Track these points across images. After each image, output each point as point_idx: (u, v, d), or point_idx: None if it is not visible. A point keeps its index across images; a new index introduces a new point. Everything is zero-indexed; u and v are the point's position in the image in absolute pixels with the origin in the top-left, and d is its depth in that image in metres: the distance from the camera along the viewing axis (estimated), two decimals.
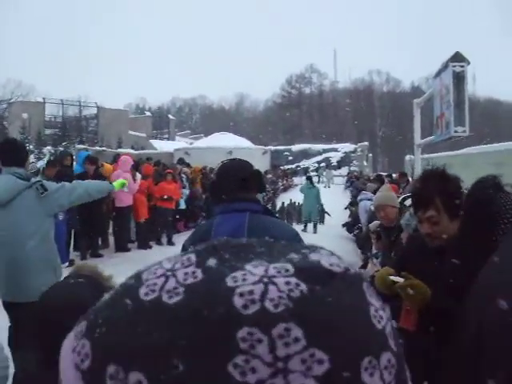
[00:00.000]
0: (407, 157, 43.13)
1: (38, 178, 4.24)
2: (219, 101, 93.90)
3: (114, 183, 4.74)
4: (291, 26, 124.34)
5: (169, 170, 12.95)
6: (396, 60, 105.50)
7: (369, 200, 9.83)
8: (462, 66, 8.91)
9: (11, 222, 3.72)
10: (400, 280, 2.20)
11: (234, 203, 2.61)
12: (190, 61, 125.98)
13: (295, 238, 2.53)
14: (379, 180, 11.94)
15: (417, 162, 12.54)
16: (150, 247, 11.71)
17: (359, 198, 10.55)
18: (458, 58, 8.98)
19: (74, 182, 4.32)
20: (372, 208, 9.43)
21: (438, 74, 9.93)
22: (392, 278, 2.25)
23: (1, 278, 3.74)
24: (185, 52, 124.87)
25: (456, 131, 8.90)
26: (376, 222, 7.07)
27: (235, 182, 2.61)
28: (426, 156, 29.70)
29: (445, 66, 9.30)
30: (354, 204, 14.87)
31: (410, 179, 12.39)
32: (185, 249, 2.45)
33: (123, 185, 4.86)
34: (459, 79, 8.88)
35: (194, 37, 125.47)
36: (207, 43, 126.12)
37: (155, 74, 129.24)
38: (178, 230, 13.90)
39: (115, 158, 13.07)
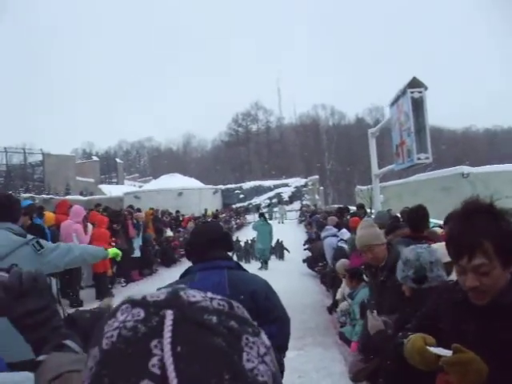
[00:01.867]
0: (357, 188, 43.70)
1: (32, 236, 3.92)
2: (166, 142, 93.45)
3: (109, 251, 4.39)
4: (234, 64, 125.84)
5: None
6: (339, 93, 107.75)
7: (334, 236, 9.52)
8: (420, 92, 8.83)
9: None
10: (447, 353, 1.70)
11: (211, 261, 2.95)
12: (136, 104, 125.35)
13: (267, 286, 3.04)
14: (340, 213, 11.66)
15: (375, 192, 12.37)
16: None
17: (323, 234, 10.17)
18: (415, 83, 8.90)
19: (71, 243, 4.22)
20: (340, 245, 9.15)
21: (396, 100, 9.84)
22: (435, 350, 1.77)
23: None
24: (130, 95, 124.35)
25: (419, 158, 8.78)
26: (344, 261, 6.70)
27: (210, 241, 2.99)
28: (363, 187, 30.07)
29: (402, 93, 9.21)
30: (313, 239, 14.57)
31: (369, 210, 12.16)
32: None
33: (117, 255, 4.52)
34: (418, 105, 8.77)
35: (138, 79, 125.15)
36: (151, 85, 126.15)
37: (101, 119, 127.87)
38: (133, 278, 13.12)
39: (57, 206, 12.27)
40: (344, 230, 9.56)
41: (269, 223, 17.76)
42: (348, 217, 11.04)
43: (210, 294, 0.61)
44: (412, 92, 8.75)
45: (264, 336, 0.62)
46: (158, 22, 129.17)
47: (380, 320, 3.06)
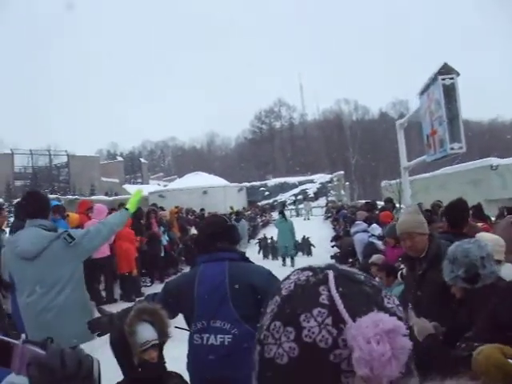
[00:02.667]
0: (383, 182, 43.13)
1: (64, 229, 4.15)
2: (190, 141, 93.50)
3: (128, 206, 4.31)
4: (256, 60, 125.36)
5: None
6: (362, 87, 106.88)
7: (364, 232, 9.19)
8: (452, 78, 8.36)
9: (43, 274, 3.70)
10: None
11: (214, 253, 3.10)
12: (159, 103, 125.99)
13: (269, 276, 3.02)
14: (369, 208, 11.30)
15: (405, 186, 11.89)
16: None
17: (353, 229, 9.80)
18: (446, 69, 8.44)
19: (97, 223, 4.22)
20: (371, 240, 8.83)
21: (426, 89, 9.37)
22: None
23: (32, 329, 3.66)
24: (153, 94, 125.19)
25: (452, 148, 8.32)
26: (379, 256, 6.39)
27: (213, 234, 3.17)
28: (392, 181, 29.50)
29: (433, 80, 8.75)
30: (341, 236, 14.27)
31: (398, 205, 11.77)
32: (167, 288, 3.22)
33: (138, 194, 4.48)
34: (450, 92, 8.30)
35: (160, 79, 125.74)
36: (174, 84, 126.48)
37: (125, 119, 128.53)
38: (158, 278, 12.91)
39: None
40: (375, 225, 9.18)
41: (288, 220, 17.59)
42: (377, 212, 10.71)
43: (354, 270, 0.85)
44: (443, 79, 8.30)
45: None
46: (177, 20, 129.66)
47: (428, 322, 2.74)
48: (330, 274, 0.77)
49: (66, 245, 3.72)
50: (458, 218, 4.62)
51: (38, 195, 4.10)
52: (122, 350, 2.28)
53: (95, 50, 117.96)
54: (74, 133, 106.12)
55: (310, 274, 0.79)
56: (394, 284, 5.59)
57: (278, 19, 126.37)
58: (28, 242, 3.70)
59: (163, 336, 2.38)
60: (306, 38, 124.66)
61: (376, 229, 8.86)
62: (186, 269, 15.10)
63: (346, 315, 0.71)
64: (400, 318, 0.73)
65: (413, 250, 3.72)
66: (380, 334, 0.68)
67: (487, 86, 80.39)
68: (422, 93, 9.75)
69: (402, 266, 5.07)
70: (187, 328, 3.14)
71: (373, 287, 0.78)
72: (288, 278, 0.83)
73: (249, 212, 29.50)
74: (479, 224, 5.98)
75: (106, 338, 2.76)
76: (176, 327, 2.96)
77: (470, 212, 5.76)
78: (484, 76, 79.28)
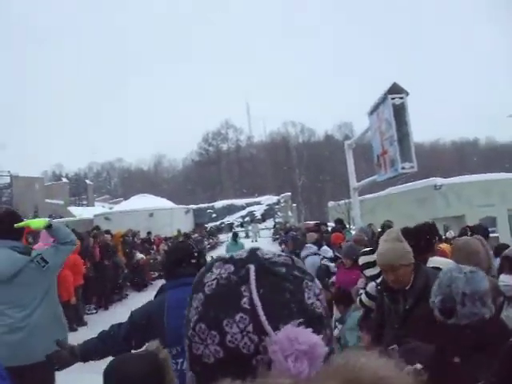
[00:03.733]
0: (330, 203, 43.66)
1: (37, 251, 3.96)
2: (137, 163, 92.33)
3: (34, 225, 3.97)
4: (204, 82, 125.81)
5: None
6: (309, 110, 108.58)
7: (315, 254, 9.02)
8: (402, 98, 8.38)
9: (15, 296, 3.64)
10: None
11: (181, 278, 3.03)
12: (106, 125, 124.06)
13: None
14: (319, 229, 11.19)
15: (354, 206, 11.82)
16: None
17: (304, 253, 9.41)
18: (395, 89, 8.45)
19: (55, 245, 4.00)
20: (324, 263, 8.64)
21: (375, 108, 9.34)
22: None
23: (3, 346, 3.53)
24: (100, 116, 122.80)
25: (403, 167, 8.29)
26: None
27: (178, 260, 3.20)
28: (341, 202, 29.93)
29: (383, 99, 8.72)
30: None
31: (348, 225, 11.74)
32: (134, 318, 3.07)
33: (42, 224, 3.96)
34: (400, 112, 8.29)
35: (107, 100, 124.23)
36: (121, 105, 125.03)
37: (71, 140, 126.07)
38: (102, 305, 12.49)
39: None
40: (325, 247, 8.98)
41: (238, 243, 17.64)
42: (325, 233, 10.62)
43: (277, 252, 0.88)
44: (393, 98, 8.35)
45: (317, 281, 0.87)
46: (125, 44, 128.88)
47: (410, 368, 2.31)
48: (251, 269, 0.80)
49: (39, 269, 3.69)
50: (424, 243, 4.22)
51: (11, 214, 3.92)
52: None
53: (43, 67, 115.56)
54: (18, 153, 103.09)
55: (232, 269, 0.82)
56: (350, 309, 5.30)
57: (225, 41, 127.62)
58: (1, 264, 3.61)
59: None
60: (253, 60, 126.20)
61: (327, 251, 8.71)
62: (132, 294, 14.69)
63: (267, 326, 0.75)
64: (320, 315, 0.81)
65: (395, 283, 3.39)
66: (298, 352, 0.71)
67: (428, 108, 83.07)
68: (372, 112, 9.73)
69: (361, 290, 4.93)
70: None
71: (295, 280, 0.82)
72: (210, 270, 0.85)
73: (196, 235, 29.16)
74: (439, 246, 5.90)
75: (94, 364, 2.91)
76: None
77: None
78: (426, 97, 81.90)
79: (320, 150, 77.65)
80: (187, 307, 0.86)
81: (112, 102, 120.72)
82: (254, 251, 0.85)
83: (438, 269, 3.18)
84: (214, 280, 0.82)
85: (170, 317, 2.95)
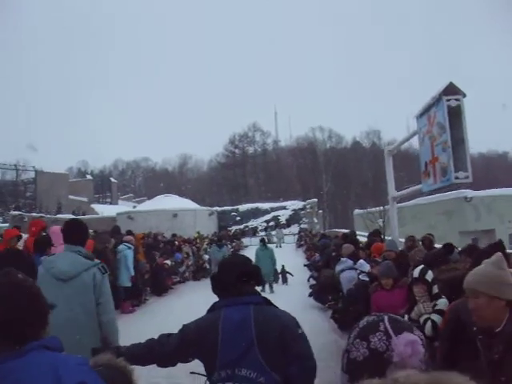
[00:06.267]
0: (356, 211, 42.80)
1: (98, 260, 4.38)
2: (162, 163, 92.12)
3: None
4: (232, 84, 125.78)
5: None
6: (337, 116, 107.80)
7: (351, 269, 8.32)
8: (458, 100, 7.44)
9: (71, 297, 3.85)
10: None
11: (238, 297, 2.86)
12: (132, 123, 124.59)
13: (296, 326, 2.86)
14: (349, 239, 10.40)
15: (392, 216, 10.93)
16: None
17: (339, 267, 8.82)
18: (452, 90, 7.51)
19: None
20: (361, 278, 7.92)
21: (426, 110, 8.29)
22: None
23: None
24: (126, 114, 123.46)
25: (457, 177, 7.30)
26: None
27: (237, 276, 2.91)
28: (373, 210, 29.12)
29: (437, 100, 7.71)
30: (318, 267, 13.47)
31: (382, 236, 10.94)
32: (185, 331, 2.93)
33: None
34: (456, 115, 7.38)
35: (135, 98, 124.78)
36: (149, 105, 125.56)
37: (97, 137, 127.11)
38: (123, 311, 11.74)
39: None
40: (362, 261, 8.29)
41: (268, 248, 18.03)
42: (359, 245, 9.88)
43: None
44: (448, 100, 7.48)
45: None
46: (155, 41, 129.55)
47: None
48: (385, 317, 1.43)
49: (100, 274, 3.99)
50: None
51: (81, 224, 4.38)
52: None
53: (69, 64, 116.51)
54: (44, 148, 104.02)
55: (375, 317, 1.46)
56: None
57: (255, 46, 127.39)
58: (66, 264, 3.95)
59: None
60: (283, 64, 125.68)
61: (364, 265, 7.96)
62: (152, 299, 14.13)
63: (392, 334, 1.36)
64: (419, 335, 1.41)
65: (477, 316, 2.70)
66: (407, 343, 1.34)
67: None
68: (422, 115, 8.66)
69: (425, 316, 4.32)
70: (203, 373, 2.95)
71: (408, 324, 1.54)
72: (361, 318, 1.49)
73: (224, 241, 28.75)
74: None
75: None
76: (192, 373, 3.09)
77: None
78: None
79: (347, 156, 76.68)
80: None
81: (141, 101, 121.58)
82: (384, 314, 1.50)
83: None
84: (364, 321, 1.47)
85: (224, 336, 2.79)
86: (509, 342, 2.49)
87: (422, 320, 4.32)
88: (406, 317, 4.45)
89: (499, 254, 2.80)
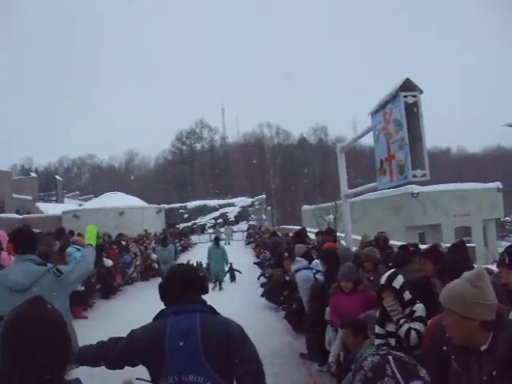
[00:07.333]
0: (304, 207, 43.24)
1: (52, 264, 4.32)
2: (109, 160, 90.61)
3: (91, 242, 4.64)
4: (179, 81, 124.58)
5: None
6: (285, 112, 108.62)
7: (307, 269, 8.27)
8: (415, 96, 7.48)
9: None
10: None
11: (184, 305, 2.95)
12: (78, 119, 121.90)
13: (241, 332, 2.95)
14: (301, 238, 10.48)
15: (345, 213, 11.00)
16: None
17: (294, 267, 8.57)
18: (409, 86, 7.54)
19: (80, 260, 4.43)
20: (318, 277, 7.87)
21: (382, 106, 8.18)
22: None
23: None
24: (72, 110, 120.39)
25: (415, 175, 7.29)
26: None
27: (184, 285, 3.01)
28: (323, 205, 29.46)
29: (393, 97, 7.69)
30: (269, 265, 13.50)
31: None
32: (133, 337, 2.97)
33: (95, 232, 4.73)
34: (412, 111, 7.42)
35: (80, 94, 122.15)
36: (95, 101, 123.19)
37: (41, 133, 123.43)
38: (76, 316, 10.88)
39: None
40: (317, 261, 8.19)
41: (220, 246, 18.33)
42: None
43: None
44: (405, 96, 7.39)
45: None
46: (102, 36, 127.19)
47: None
48: (391, 358, 2.16)
49: (55, 278, 3.93)
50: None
51: (29, 232, 4.36)
52: None
53: (17, 58, 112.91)
54: None
55: (379, 358, 2.16)
56: (365, 345, 4.46)
57: (202, 42, 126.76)
58: (20, 274, 3.87)
59: None
60: (230, 60, 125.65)
61: (319, 264, 7.86)
62: (99, 302, 13.69)
63: (402, 381, 2.02)
64: (423, 379, 2.31)
65: (449, 333, 2.51)
66: None
67: None
68: (377, 111, 8.60)
69: (402, 321, 4.18)
70: (149, 380, 2.97)
71: (413, 364, 2.42)
72: (366, 359, 2.19)
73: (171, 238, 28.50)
74: None
75: None
76: (138, 379, 3.05)
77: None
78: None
79: (294, 152, 77.33)
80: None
81: (87, 97, 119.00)
82: (387, 349, 2.41)
83: None
84: (369, 363, 2.26)
85: (171, 343, 2.84)
86: (501, 361, 2.28)
87: (403, 332, 4.12)
88: (383, 330, 4.31)
89: (480, 268, 2.64)
